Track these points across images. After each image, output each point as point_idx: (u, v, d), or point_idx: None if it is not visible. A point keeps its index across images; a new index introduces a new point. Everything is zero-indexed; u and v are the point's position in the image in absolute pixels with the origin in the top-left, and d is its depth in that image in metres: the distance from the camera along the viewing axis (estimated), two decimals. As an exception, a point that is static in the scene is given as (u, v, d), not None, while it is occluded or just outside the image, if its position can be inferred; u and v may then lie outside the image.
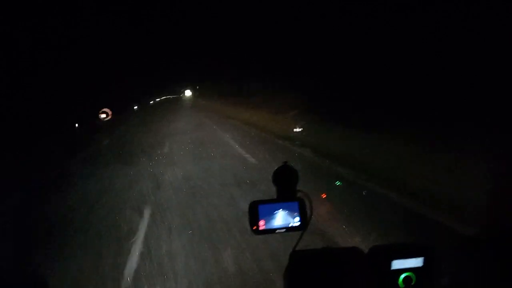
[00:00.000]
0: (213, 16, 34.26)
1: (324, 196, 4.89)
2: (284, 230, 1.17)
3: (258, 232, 1.15)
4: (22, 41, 15.57)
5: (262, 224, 1.15)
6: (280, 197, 1.19)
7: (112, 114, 18.22)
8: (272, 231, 1.17)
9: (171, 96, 74.62)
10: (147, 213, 4.89)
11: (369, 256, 1.15)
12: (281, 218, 1.17)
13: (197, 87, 63.07)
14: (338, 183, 5.67)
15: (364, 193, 5.07)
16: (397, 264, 1.11)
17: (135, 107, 38.71)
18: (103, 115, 18.00)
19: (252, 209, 1.16)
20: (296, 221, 1.18)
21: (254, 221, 1.15)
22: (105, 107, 18.12)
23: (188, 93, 70.41)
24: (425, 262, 1.12)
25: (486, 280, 1.24)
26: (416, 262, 1.12)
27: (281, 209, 1.17)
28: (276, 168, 1.21)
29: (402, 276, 1.11)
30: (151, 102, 53.42)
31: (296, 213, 1.18)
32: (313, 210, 1.18)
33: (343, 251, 1.21)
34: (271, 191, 1.23)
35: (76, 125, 18.97)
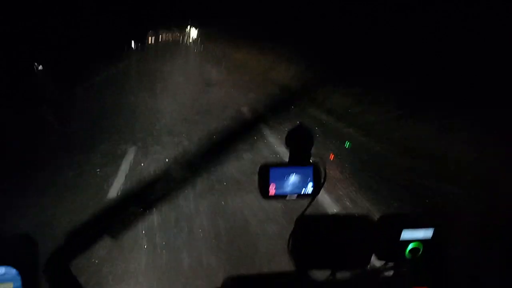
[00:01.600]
0: None
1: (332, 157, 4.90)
2: (295, 196, 1.10)
3: (268, 196, 1.08)
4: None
5: (272, 189, 1.08)
6: (292, 161, 1.10)
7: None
8: (283, 196, 1.10)
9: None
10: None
11: (379, 224, 1.11)
12: (293, 184, 1.09)
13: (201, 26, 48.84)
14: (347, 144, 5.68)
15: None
16: (406, 234, 1.08)
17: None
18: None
19: (263, 172, 1.08)
20: (308, 187, 1.10)
21: (264, 185, 1.08)
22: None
23: (193, 32, 54.58)
24: (434, 233, 1.09)
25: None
26: (425, 233, 1.09)
27: (293, 174, 1.08)
28: (289, 129, 1.12)
29: (410, 246, 1.09)
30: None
31: (309, 179, 1.10)
32: None
33: (353, 217, 1.17)
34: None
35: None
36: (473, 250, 1.24)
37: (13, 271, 0.72)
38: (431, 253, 1.11)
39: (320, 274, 1.12)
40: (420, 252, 1.10)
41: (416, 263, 1.12)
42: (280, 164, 1.09)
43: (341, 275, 1.12)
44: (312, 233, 1.08)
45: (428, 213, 1.17)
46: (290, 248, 1.09)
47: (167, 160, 5.32)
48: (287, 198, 1.10)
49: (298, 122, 1.11)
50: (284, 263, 1.17)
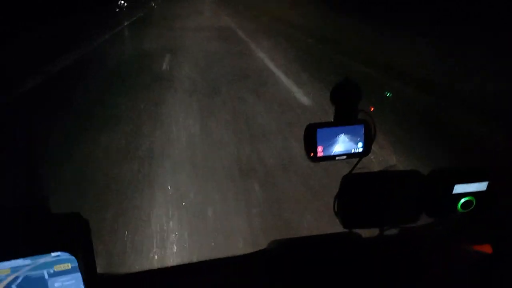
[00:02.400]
0: None
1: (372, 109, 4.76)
2: (345, 156, 1.03)
3: (316, 159, 1.02)
4: None
5: (320, 150, 1.02)
6: (340, 119, 1.02)
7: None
8: (332, 158, 1.03)
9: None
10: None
11: (429, 180, 1.06)
12: (343, 144, 1.02)
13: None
14: (388, 94, 5.47)
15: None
16: (459, 188, 1.04)
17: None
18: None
19: (309, 133, 1.01)
20: (358, 146, 1.03)
21: (311, 147, 1.01)
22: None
23: None
24: (488, 186, 1.04)
25: None
26: (479, 186, 1.04)
27: (342, 134, 1.01)
28: (334, 84, 1.03)
29: (462, 200, 1.04)
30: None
31: (358, 138, 1.02)
32: None
33: (400, 173, 1.11)
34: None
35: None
36: None
37: (66, 254, 0.72)
38: (485, 206, 1.06)
39: (369, 233, 1.09)
40: (473, 205, 1.05)
41: (470, 217, 1.08)
42: (327, 124, 1.02)
43: (391, 233, 1.09)
44: (359, 191, 1.04)
45: (482, 166, 1.07)
46: (337, 208, 1.06)
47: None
48: (337, 158, 1.04)
49: (344, 77, 1.02)
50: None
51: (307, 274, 0.96)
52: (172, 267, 1.01)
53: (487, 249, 0.98)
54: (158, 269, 0.98)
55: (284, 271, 0.99)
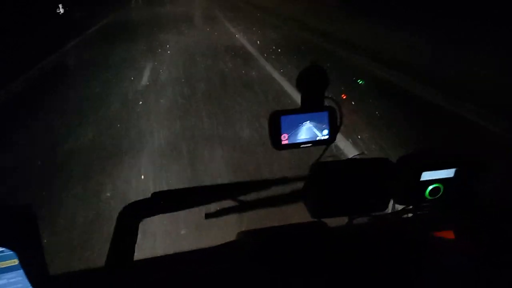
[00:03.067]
0: None
1: (344, 97, 4.80)
2: (310, 144, 1.01)
3: (280, 146, 1.00)
4: None
5: (285, 138, 0.99)
6: (305, 106, 1.00)
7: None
8: (297, 145, 1.01)
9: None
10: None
11: (397, 167, 1.05)
12: (307, 131, 1.00)
13: None
14: (360, 81, 5.57)
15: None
16: (426, 175, 1.03)
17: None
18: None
19: (273, 120, 0.98)
20: (324, 134, 1.01)
21: (276, 134, 0.99)
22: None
23: None
24: (456, 173, 1.03)
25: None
26: (447, 173, 1.03)
27: (307, 121, 0.99)
28: (300, 71, 1.00)
29: (430, 187, 1.04)
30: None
31: (324, 125, 1.00)
32: None
33: (369, 161, 1.10)
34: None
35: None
36: (499, 188, 1.17)
37: (9, 252, 0.67)
38: (453, 193, 1.06)
39: (338, 222, 1.08)
40: (441, 192, 1.05)
41: (438, 204, 1.08)
42: (292, 111, 0.99)
43: (359, 221, 1.09)
44: (327, 180, 1.02)
45: (450, 152, 1.08)
46: (306, 198, 1.04)
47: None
48: (301, 146, 1.02)
49: (310, 62, 0.99)
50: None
51: (275, 265, 0.95)
52: (136, 261, 0.98)
53: (449, 235, 0.99)
54: (118, 264, 0.93)
55: (252, 262, 0.97)
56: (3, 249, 0.67)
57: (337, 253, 0.99)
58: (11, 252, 0.68)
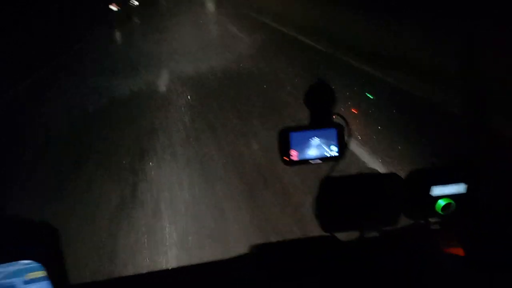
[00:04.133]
0: None
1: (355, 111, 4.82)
2: (319, 161, 1.04)
3: (290, 163, 1.03)
4: None
5: (294, 155, 1.02)
6: (314, 123, 1.03)
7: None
8: (306, 161, 1.04)
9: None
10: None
11: (407, 181, 1.06)
12: (316, 147, 1.02)
13: None
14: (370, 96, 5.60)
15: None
16: (437, 190, 1.03)
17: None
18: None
19: (283, 137, 1.01)
20: (333, 150, 1.04)
21: (285, 151, 1.02)
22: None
23: None
24: (466, 188, 1.03)
25: None
26: (458, 188, 1.03)
27: (316, 137, 1.02)
28: (308, 86, 1.04)
29: (441, 202, 1.03)
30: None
31: (333, 142, 1.03)
32: None
33: (378, 176, 1.11)
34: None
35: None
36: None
37: (35, 264, 0.72)
38: (465, 209, 1.05)
39: (348, 237, 1.09)
40: (452, 208, 1.04)
41: (449, 220, 1.07)
42: (301, 128, 1.02)
43: (370, 235, 1.09)
44: (337, 195, 1.04)
45: (461, 167, 1.08)
46: (316, 212, 1.06)
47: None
48: (310, 162, 1.05)
49: (317, 79, 1.03)
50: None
51: (287, 278, 0.96)
52: (151, 273, 1.01)
53: (459, 252, 0.99)
54: (134, 275, 0.97)
55: (264, 274, 0.99)
56: (30, 261, 0.71)
57: (348, 267, 1.00)
58: (37, 265, 0.72)
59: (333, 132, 1.02)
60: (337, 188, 1.04)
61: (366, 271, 0.99)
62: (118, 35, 15.86)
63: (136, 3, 23.04)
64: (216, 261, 1.04)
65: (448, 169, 1.09)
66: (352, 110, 5.04)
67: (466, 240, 1.02)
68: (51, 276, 0.72)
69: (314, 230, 1.08)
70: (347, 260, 1.03)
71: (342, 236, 1.08)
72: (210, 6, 21.70)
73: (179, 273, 1.02)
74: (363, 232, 1.09)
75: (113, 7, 19.35)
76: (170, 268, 1.02)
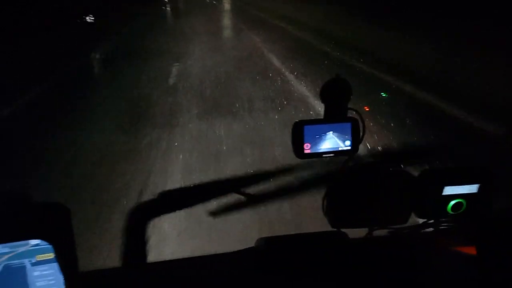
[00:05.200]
0: None
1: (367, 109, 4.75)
2: (332, 154, 1.03)
3: (303, 155, 1.02)
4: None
5: (307, 147, 1.01)
6: (328, 117, 1.02)
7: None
8: (319, 155, 1.03)
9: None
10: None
11: (419, 180, 1.05)
12: (330, 141, 1.01)
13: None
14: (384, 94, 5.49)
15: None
16: (449, 190, 1.02)
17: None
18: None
19: (297, 130, 1.00)
20: (346, 145, 1.02)
21: (299, 143, 1.01)
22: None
23: None
24: (479, 189, 1.02)
25: None
26: (470, 188, 1.02)
27: (330, 131, 1.00)
28: (325, 81, 1.02)
29: (452, 202, 1.03)
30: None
31: (347, 136, 1.02)
32: None
33: (390, 173, 1.10)
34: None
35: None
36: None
37: (45, 243, 0.71)
38: (476, 209, 1.05)
39: (357, 233, 1.08)
40: (463, 208, 1.04)
41: (460, 219, 1.07)
42: (316, 121, 1.01)
43: (379, 233, 1.08)
44: (348, 191, 1.03)
45: (473, 168, 1.07)
46: (326, 207, 1.05)
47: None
48: (324, 156, 1.03)
49: (335, 74, 1.01)
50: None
51: (294, 272, 0.96)
52: (158, 263, 1.01)
53: (471, 251, 0.98)
54: (142, 264, 0.97)
55: (271, 268, 0.98)
56: (39, 241, 0.71)
57: (356, 264, 1.00)
58: (47, 246, 0.72)
59: (347, 126, 1.01)
60: (348, 184, 1.04)
61: (374, 268, 0.98)
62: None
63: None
64: (220, 254, 1.04)
65: (461, 169, 1.08)
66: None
67: (478, 240, 1.01)
68: (60, 260, 0.72)
69: (323, 225, 1.08)
70: (355, 257, 1.02)
71: (351, 232, 1.07)
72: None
73: (183, 266, 1.01)
74: (372, 229, 1.08)
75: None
76: (172, 259, 1.01)
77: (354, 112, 1.04)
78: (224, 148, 4.10)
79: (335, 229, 1.06)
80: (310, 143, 1.01)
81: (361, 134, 1.03)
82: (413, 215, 1.08)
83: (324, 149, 1.02)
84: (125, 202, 3.00)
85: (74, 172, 3.71)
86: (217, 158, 3.87)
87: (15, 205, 0.77)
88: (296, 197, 2.73)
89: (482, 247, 0.97)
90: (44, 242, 0.71)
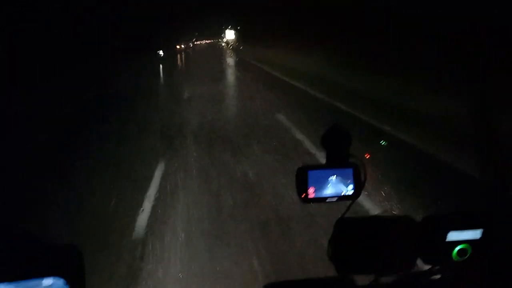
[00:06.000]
0: None
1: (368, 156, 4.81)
2: (336, 199, 1.06)
3: (307, 200, 1.05)
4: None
5: (311, 192, 1.05)
6: (331, 163, 1.07)
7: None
8: (323, 199, 1.06)
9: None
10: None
11: (423, 226, 1.06)
12: (333, 186, 1.05)
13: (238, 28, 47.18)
14: (383, 143, 5.56)
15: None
16: (453, 235, 1.03)
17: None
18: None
19: (301, 175, 1.05)
20: (349, 189, 1.06)
21: (302, 188, 1.05)
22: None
23: (230, 35, 51.32)
24: (483, 234, 1.03)
25: None
26: (473, 234, 1.03)
27: (333, 176, 1.05)
28: (326, 130, 1.08)
29: (457, 248, 1.03)
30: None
31: (349, 181, 1.06)
32: None
33: (394, 219, 1.12)
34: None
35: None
36: None
37: (60, 282, 0.73)
38: (481, 255, 1.04)
39: (363, 279, 1.08)
40: (468, 254, 1.04)
41: (465, 265, 1.06)
42: (319, 166, 1.06)
43: (385, 279, 1.08)
44: (352, 236, 1.05)
45: (476, 212, 1.08)
46: (331, 252, 1.06)
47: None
48: (327, 200, 1.07)
49: (333, 123, 1.08)
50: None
51: None
52: None
53: None
54: None
55: None
56: (51, 281, 0.73)
57: None
58: (61, 284, 0.73)
59: (349, 172, 1.05)
60: (352, 230, 1.05)
61: None
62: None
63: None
64: None
65: (464, 214, 1.09)
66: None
67: (482, 286, 1.00)
68: None
69: (328, 270, 1.08)
70: None
71: (357, 278, 1.07)
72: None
73: None
74: (378, 275, 1.08)
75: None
76: None
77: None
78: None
79: (341, 275, 1.06)
80: (314, 188, 1.05)
81: (362, 179, 1.07)
82: (420, 261, 1.08)
83: (328, 194, 1.06)
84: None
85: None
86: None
87: (29, 243, 0.79)
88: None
89: None
90: (57, 283, 0.72)
